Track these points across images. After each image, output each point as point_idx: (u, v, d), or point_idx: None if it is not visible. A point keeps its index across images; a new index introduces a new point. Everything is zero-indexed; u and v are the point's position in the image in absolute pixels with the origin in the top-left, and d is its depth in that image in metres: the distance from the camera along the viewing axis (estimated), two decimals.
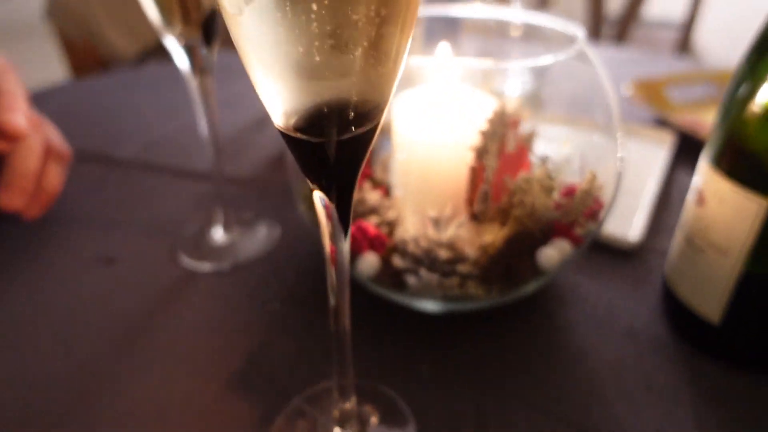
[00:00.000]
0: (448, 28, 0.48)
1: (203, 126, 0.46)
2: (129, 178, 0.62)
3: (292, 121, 0.21)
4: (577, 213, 0.37)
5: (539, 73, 0.65)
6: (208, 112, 0.46)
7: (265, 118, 0.80)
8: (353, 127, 0.21)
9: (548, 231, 0.38)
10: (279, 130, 0.22)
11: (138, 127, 0.74)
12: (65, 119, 0.53)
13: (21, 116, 0.44)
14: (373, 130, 0.22)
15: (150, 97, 0.85)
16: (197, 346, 0.40)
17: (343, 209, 0.25)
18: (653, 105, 0.74)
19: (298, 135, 0.21)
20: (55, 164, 0.50)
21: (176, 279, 0.46)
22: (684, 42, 1.36)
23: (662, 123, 0.73)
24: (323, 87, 0.19)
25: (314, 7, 0.17)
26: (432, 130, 0.38)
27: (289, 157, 0.44)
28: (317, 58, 0.18)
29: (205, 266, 0.47)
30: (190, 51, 0.42)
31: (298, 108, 0.20)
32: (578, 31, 0.40)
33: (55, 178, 0.50)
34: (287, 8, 0.17)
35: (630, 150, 0.66)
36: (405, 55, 0.20)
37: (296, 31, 0.17)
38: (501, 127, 0.37)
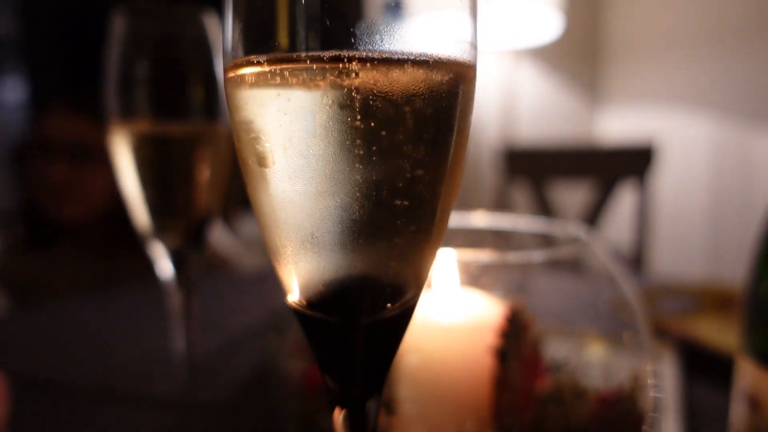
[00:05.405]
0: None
1: (178, 343, 0.42)
2: (84, 409, 0.53)
3: (312, 295, 0.17)
4: (619, 420, 0.32)
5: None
6: (188, 327, 0.42)
7: (236, 340, 0.74)
8: (387, 305, 0.18)
9: None
10: (293, 310, 0.18)
11: (97, 352, 0.67)
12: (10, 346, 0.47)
13: None
14: (409, 310, 0.18)
15: (109, 323, 0.79)
16: None
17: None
18: None
19: (317, 314, 0.18)
20: None
21: None
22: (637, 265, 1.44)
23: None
24: (359, 251, 0.16)
25: (369, 143, 0.14)
26: (445, 328, 0.35)
27: (283, 370, 0.38)
28: (358, 214, 0.15)
29: None
30: (177, 258, 0.40)
31: (323, 278, 0.17)
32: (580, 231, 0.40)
33: None
34: (329, 155, 0.14)
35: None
36: (449, 215, 0.18)
37: (338, 177, 0.14)
38: (519, 327, 0.34)
